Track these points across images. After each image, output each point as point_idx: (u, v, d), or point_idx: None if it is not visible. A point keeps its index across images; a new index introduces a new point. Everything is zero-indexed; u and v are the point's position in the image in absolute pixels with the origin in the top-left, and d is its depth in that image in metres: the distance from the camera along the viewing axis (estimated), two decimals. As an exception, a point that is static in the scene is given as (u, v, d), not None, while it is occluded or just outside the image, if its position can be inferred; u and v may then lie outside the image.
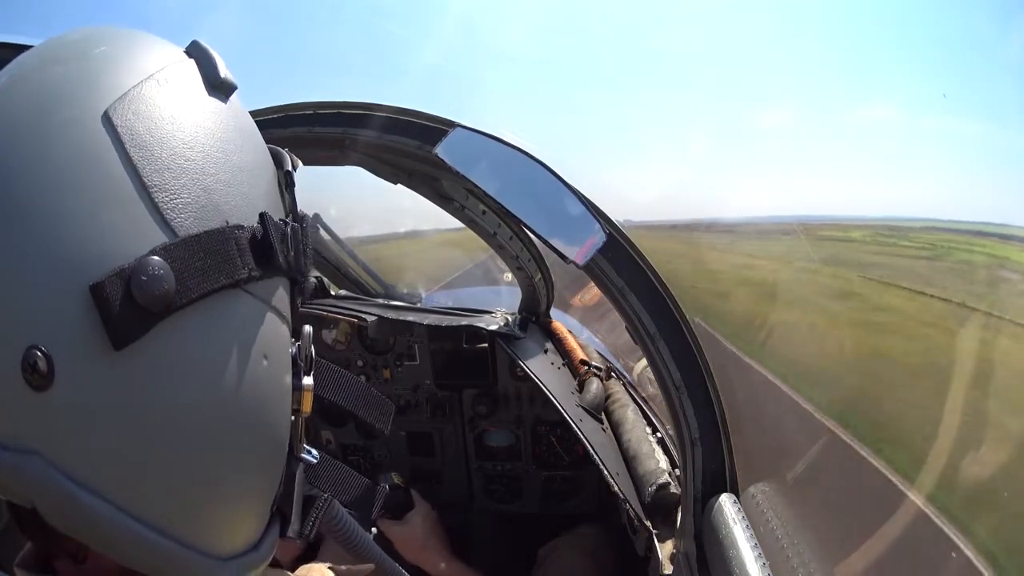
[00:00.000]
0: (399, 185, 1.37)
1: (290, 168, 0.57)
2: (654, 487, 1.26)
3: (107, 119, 0.42)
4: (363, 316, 1.87)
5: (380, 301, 2.19)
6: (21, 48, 0.48)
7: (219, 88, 0.51)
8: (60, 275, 0.38)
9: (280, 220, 0.50)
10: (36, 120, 0.41)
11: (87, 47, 0.47)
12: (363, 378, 1.85)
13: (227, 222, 0.45)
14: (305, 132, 1.13)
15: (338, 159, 1.23)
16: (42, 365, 0.36)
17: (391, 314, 1.91)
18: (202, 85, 0.50)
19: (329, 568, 0.70)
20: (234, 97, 0.53)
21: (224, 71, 0.52)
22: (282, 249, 0.48)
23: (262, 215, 0.48)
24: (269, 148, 0.56)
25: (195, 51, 0.52)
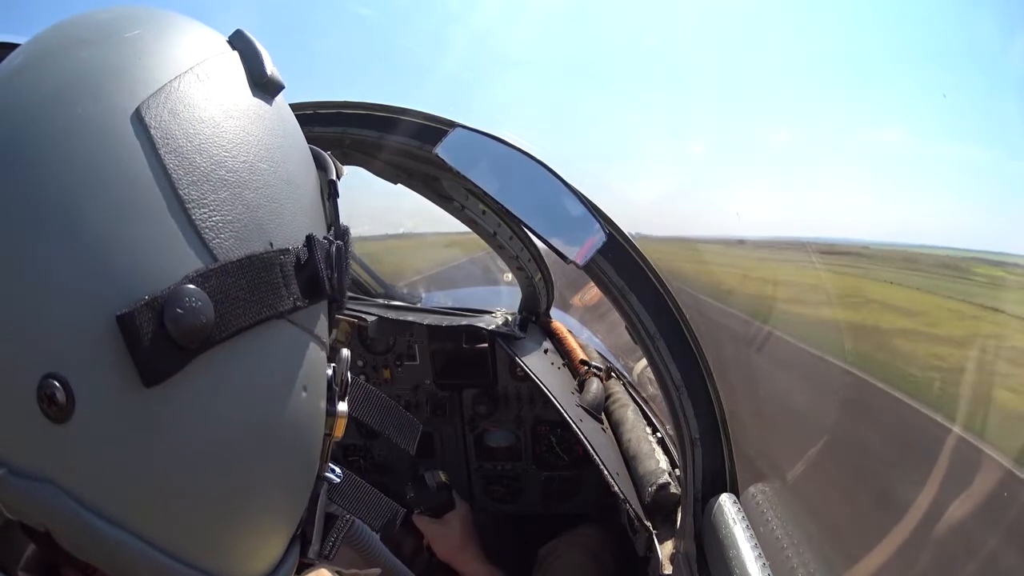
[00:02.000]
0: (399, 185, 1.38)
1: (334, 176, 0.52)
2: (654, 487, 1.26)
3: (139, 118, 0.37)
4: (363, 316, 1.87)
5: (380, 301, 2.19)
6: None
7: (264, 87, 0.46)
8: (82, 299, 0.33)
9: (324, 238, 0.45)
10: (55, 114, 0.36)
11: (118, 29, 0.41)
12: (363, 378, 1.86)
13: (271, 244, 0.40)
14: (305, 132, 1.13)
15: (338, 159, 1.23)
16: (60, 397, 0.33)
17: (391, 314, 1.91)
18: (246, 82, 0.45)
19: (336, 571, 0.70)
20: (279, 97, 0.48)
21: (271, 67, 0.47)
22: (327, 274, 0.44)
23: (309, 238, 0.43)
24: (311, 150, 0.51)
25: (239, 42, 0.47)
